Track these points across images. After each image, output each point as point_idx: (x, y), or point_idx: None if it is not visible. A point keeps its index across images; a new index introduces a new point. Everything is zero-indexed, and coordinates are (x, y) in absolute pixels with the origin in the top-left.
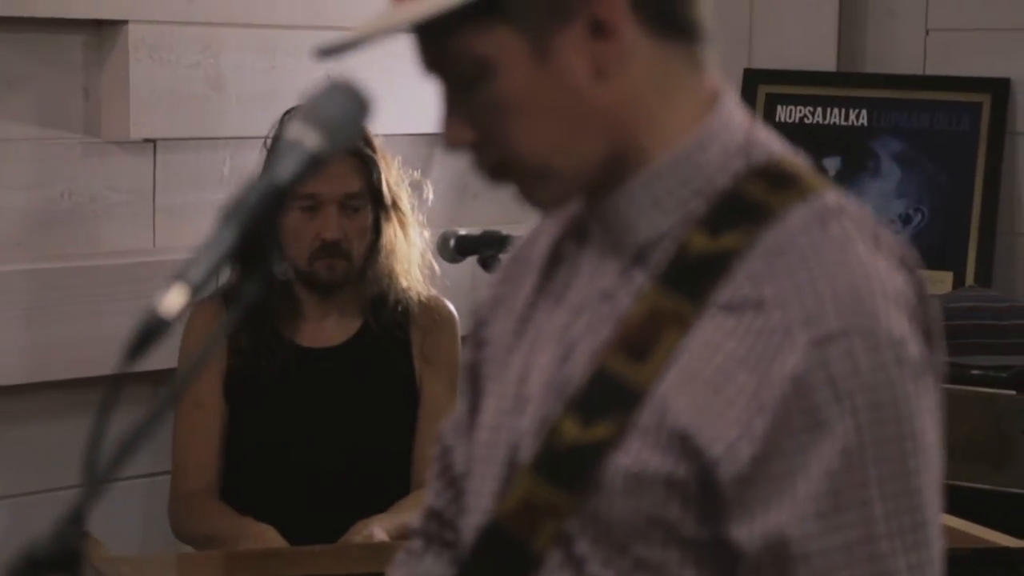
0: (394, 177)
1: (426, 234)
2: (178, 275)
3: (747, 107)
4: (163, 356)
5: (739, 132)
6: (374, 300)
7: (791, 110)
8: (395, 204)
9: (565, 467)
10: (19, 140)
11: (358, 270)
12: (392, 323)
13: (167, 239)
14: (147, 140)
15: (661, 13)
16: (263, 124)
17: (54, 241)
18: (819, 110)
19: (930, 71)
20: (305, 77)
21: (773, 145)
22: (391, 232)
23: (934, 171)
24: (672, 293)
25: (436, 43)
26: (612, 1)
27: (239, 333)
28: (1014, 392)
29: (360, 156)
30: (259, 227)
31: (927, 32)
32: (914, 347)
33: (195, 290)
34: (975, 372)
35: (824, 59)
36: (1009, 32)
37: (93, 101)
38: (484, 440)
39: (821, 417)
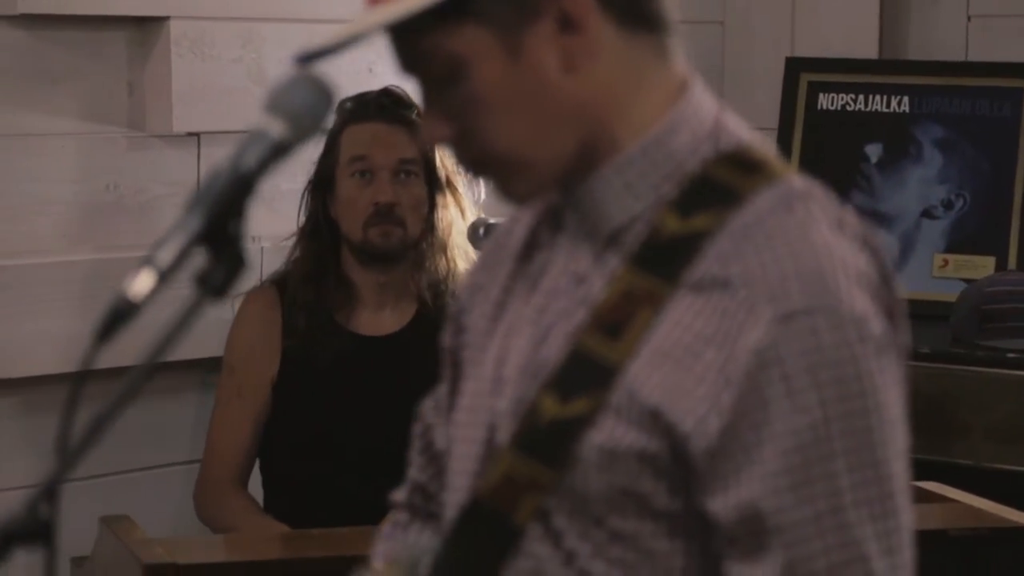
0: (448, 158)
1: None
2: (145, 259)
3: (789, 94)
4: (209, 346)
5: (708, 119)
6: (431, 284)
7: (833, 97)
8: (449, 182)
9: (544, 443)
10: (65, 135)
11: (413, 242)
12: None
13: None
14: (190, 134)
15: (627, 6)
16: None
17: (100, 233)
18: (861, 97)
19: (972, 57)
20: (345, 69)
21: (741, 132)
22: (447, 209)
23: (976, 157)
24: (645, 273)
25: (409, 43)
26: (577, 3)
27: (295, 317)
28: None
29: (413, 126)
30: (226, 213)
31: (968, 18)
32: (876, 324)
33: (162, 274)
34: (1011, 355)
35: (866, 46)
36: None
37: (137, 96)
38: (463, 421)
39: (786, 390)
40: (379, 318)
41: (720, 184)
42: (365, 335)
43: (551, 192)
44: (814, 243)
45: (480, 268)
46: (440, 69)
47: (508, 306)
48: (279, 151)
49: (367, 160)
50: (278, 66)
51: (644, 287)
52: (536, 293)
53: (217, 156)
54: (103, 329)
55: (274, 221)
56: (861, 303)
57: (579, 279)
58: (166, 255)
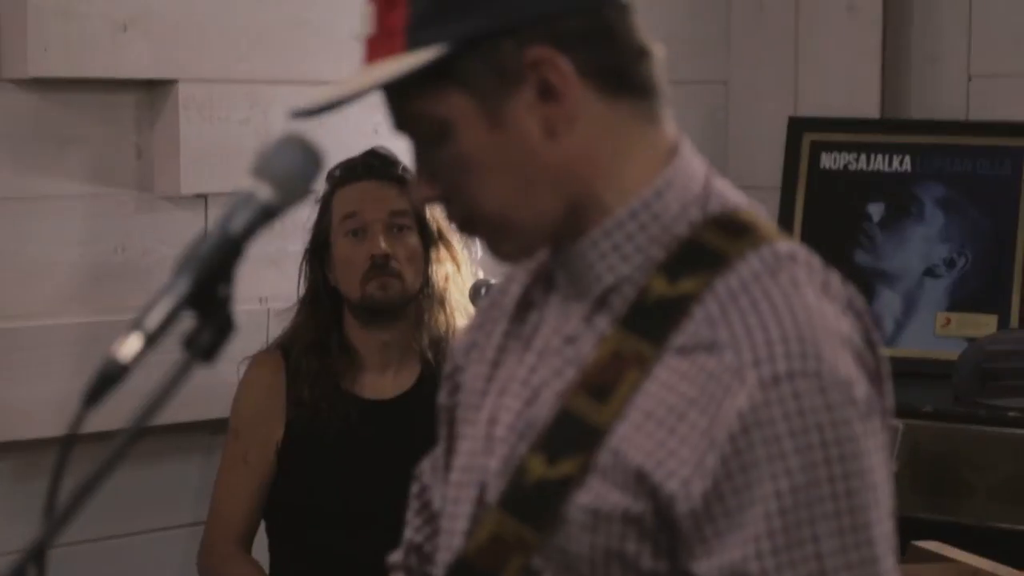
0: (440, 213)
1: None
2: (134, 323)
3: (792, 154)
4: (217, 407)
5: (696, 182)
6: (432, 341)
7: (836, 157)
8: (443, 236)
9: (531, 503)
10: (74, 197)
11: (412, 295)
12: None
13: None
14: (198, 195)
15: (610, 73)
16: None
17: (108, 295)
18: (863, 157)
19: (973, 116)
20: (350, 129)
21: (729, 195)
22: (443, 265)
23: (977, 215)
24: (633, 336)
25: (399, 104)
26: (559, 66)
27: (300, 387)
28: None
29: (402, 181)
30: (214, 276)
31: (969, 78)
32: (861, 388)
33: (150, 338)
34: (1013, 414)
35: (868, 106)
36: None
37: (145, 158)
38: (456, 480)
39: (770, 454)
40: (383, 381)
41: (708, 248)
42: (370, 399)
43: (539, 252)
44: (799, 307)
45: (475, 327)
46: (427, 131)
47: (502, 365)
48: (267, 215)
49: (359, 216)
50: (285, 128)
51: (632, 349)
52: (529, 353)
53: None
54: (91, 393)
55: (281, 282)
56: (845, 367)
57: (568, 340)
58: (154, 319)
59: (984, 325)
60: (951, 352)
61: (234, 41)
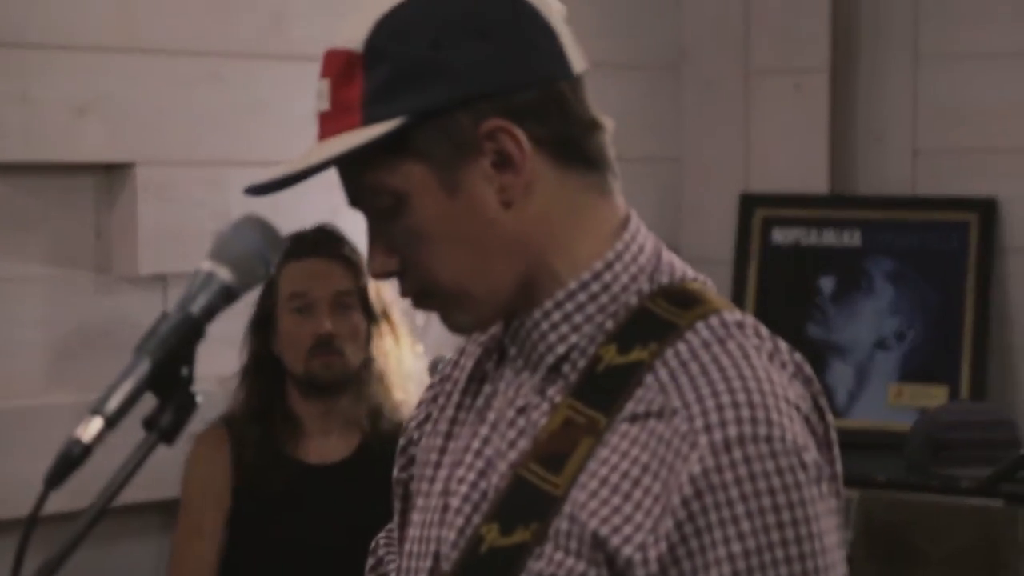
0: (384, 290)
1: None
2: (94, 406)
3: (744, 229)
4: (170, 485)
5: (645, 254)
6: (371, 412)
7: (787, 232)
8: (385, 314)
9: (485, 572)
10: (33, 279)
11: (354, 373)
12: (391, 436)
13: None
14: (157, 276)
15: (564, 146)
16: None
17: (68, 376)
18: (814, 232)
19: (919, 191)
20: (311, 211)
21: (677, 267)
22: (384, 341)
23: (926, 289)
24: (584, 405)
25: (354, 178)
26: (515, 137)
27: (244, 454)
28: (1003, 503)
29: (348, 261)
30: (174, 358)
31: (915, 154)
32: (811, 453)
33: (110, 420)
34: (966, 484)
35: (817, 182)
36: (993, 152)
37: (104, 240)
38: (411, 551)
39: (722, 518)
40: (326, 446)
41: (657, 318)
42: (313, 464)
43: (493, 323)
44: (749, 374)
45: (428, 400)
46: (383, 203)
47: (455, 437)
48: (227, 296)
49: (306, 296)
50: (243, 209)
51: (584, 418)
52: (483, 425)
53: None
54: (53, 474)
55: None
56: (795, 433)
57: (521, 410)
58: (115, 401)
59: (935, 396)
60: (903, 423)
61: (191, 124)
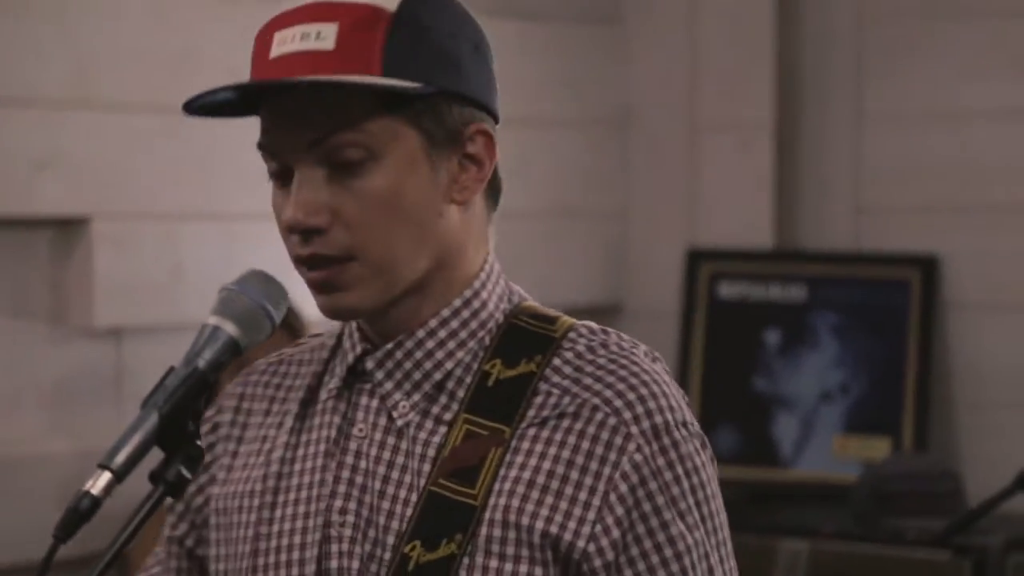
0: None
1: None
2: (103, 461)
3: (691, 284)
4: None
5: (501, 278)
6: None
7: (733, 287)
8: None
9: None
10: None
11: None
12: None
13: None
14: (112, 328)
15: (494, 176)
16: None
17: (22, 428)
18: (760, 286)
19: (862, 246)
20: (260, 264)
21: (519, 289)
22: None
23: (870, 343)
24: (483, 418)
25: (329, 121)
26: (492, 146)
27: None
28: (950, 554)
29: (290, 328)
30: (182, 412)
31: (857, 210)
32: (705, 438)
33: (118, 474)
34: (911, 535)
35: (761, 237)
36: (935, 210)
37: (60, 293)
38: None
39: (668, 499)
40: None
41: (529, 332)
42: None
43: (370, 313)
44: (647, 368)
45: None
46: (351, 155)
47: (290, 475)
48: (233, 350)
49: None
50: (198, 263)
51: (487, 431)
52: (346, 455)
53: (138, 351)
54: (62, 527)
55: None
56: (693, 417)
57: (401, 431)
58: (123, 455)
59: (878, 447)
60: (848, 474)
61: (147, 178)
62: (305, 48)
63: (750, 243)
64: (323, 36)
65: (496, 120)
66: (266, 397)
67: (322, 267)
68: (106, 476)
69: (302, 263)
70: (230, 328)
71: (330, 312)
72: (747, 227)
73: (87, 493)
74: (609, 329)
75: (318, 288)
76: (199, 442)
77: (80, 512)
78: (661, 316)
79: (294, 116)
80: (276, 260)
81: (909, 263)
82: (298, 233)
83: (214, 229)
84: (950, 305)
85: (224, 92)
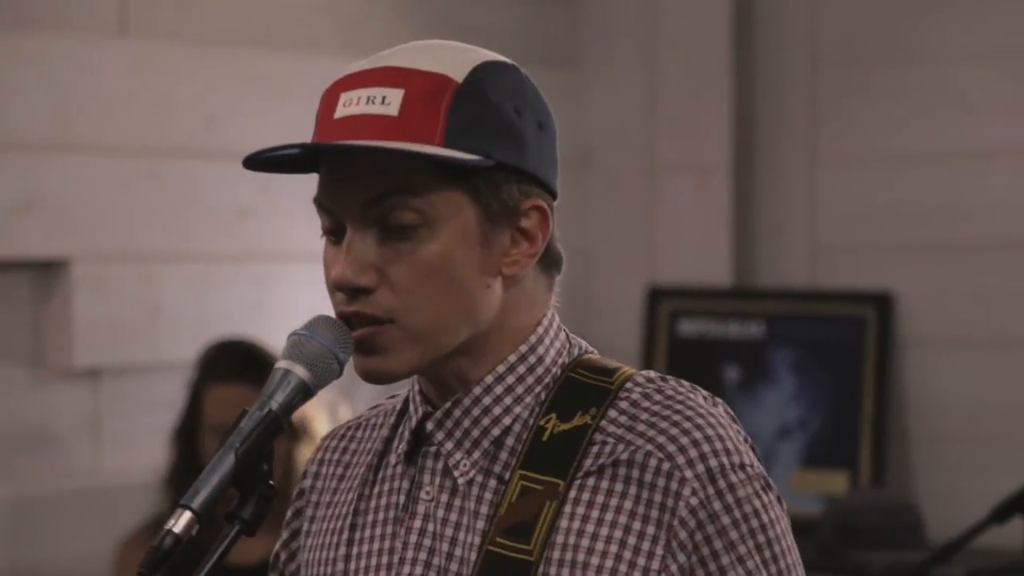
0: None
1: None
2: (184, 500)
3: (651, 321)
4: None
5: (561, 333)
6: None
7: (693, 324)
8: (305, 428)
9: None
10: None
11: (275, 493)
12: None
13: (111, 462)
14: (91, 369)
15: (550, 249)
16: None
17: (3, 470)
18: (719, 323)
19: (820, 285)
20: (237, 305)
21: (582, 342)
22: (305, 454)
23: (827, 379)
24: (538, 473)
25: (387, 185)
26: (547, 222)
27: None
28: None
29: (261, 381)
30: (257, 454)
31: (814, 249)
32: (769, 478)
33: (199, 513)
34: (876, 568)
35: (719, 275)
36: (889, 249)
37: (39, 334)
38: None
39: (726, 544)
40: (249, 547)
41: (586, 385)
42: (237, 564)
43: (407, 377)
44: (701, 412)
45: (291, 518)
46: (406, 219)
47: (359, 542)
48: (305, 393)
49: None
50: (176, 304)
51: (541, 485)
52: (415, 519)
53: (116, 391)
54: (147, 564)
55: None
56: (755, 459)
57: (464, 490)
58: (203, 495)
59: (836, 481)
60: (808, 508)
61: (126, 220)
62: (369, 112)
63: (709, 281)
64: (388, 101)
65: (554, 197)
66: (341, 463)
67: (363, 326)
68: (187, 515)
69: (345, 321)
70: (301, 372)
71: (365, 374)
72: (706, 266)
73: (170, 531)
74: (668, 376)
75: (358, 348)
76: (272, 482)
77: (163, 550)
78: (622, 353)
79: (353, 176)
80: (251, 302)
81: (865, 300)
82: (345, 291)
83: (192, 271)
84: (905, 341)
85: (288, 149)
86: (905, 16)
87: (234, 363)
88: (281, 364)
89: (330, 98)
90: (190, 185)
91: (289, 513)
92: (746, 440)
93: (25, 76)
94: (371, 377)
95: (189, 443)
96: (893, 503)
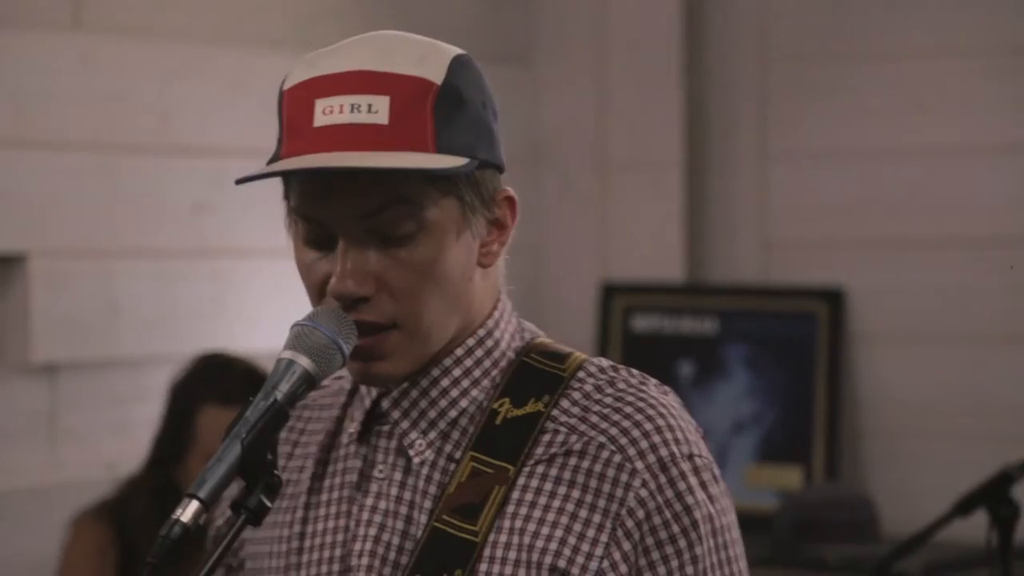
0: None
1: None
2: (191, 491)
3: (604, 317)
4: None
5: (513, 317)
6: None
7: (646, 320)
8: None
9: None
10: None
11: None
12: None
13: (68, 458)
14: (48, 364)
15: None
16: (158, 346)
17: None
18: (672, 319)
19: (771, 280)
20: (194, 301)
21: (529, 326)
22: None
23: (780, 374)
24: (489, 456)
25: (381, 196)
26: (515, 208)
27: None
28: None
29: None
30: (262, 444)
31: (765, 246)
32: (717, 468)
33: (205, 502)
34: (831, 561)
35: (673, 272)
36: (840, 245)
37: None
38: None
39: (672, 533)
40: None
41: (539, 371)
42: None
43: (405, 377)
44: (654, 402)
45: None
46: (404, 228)
47: (313, 520)
48: (309, 383)
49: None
50: (134, 299)
51: (492, 469)
52: (367, 496)
53: (73, 387)
54: (155, 554)
55: (128, 448)
56: (705, 449)
57: (416, 469)
58: (209, 484)
59: (790, 476)
60: (763, 503)
61: (82, 215)
62: (357, 121)
63: (662, 277)
64: (375, 109)
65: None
66: (288, 442)
67: (365, 334)
68: (194, 504)
69: None
70: (304, 362)
71: (365, 378)
72: (659, 262)
73: (177, 520)
74: (619, 366)
75: (356, 354)
76: (277, 472)
77: (171, 539)
78: (576, 349)
79: (347, 188)
80: (210, 296)
81: (816, 296)
82: (344, 301)
83: (149, 266)
84: (856, 336)
85: (297, 172)
86: (856, 13)
87: (233, 385)
88: (285, 354)
89: (302, 103)
90: (145, 180)
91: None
92: (697, 429)
93: None
94: (372, 381)
95: (173, 465)
96: (848, 497)
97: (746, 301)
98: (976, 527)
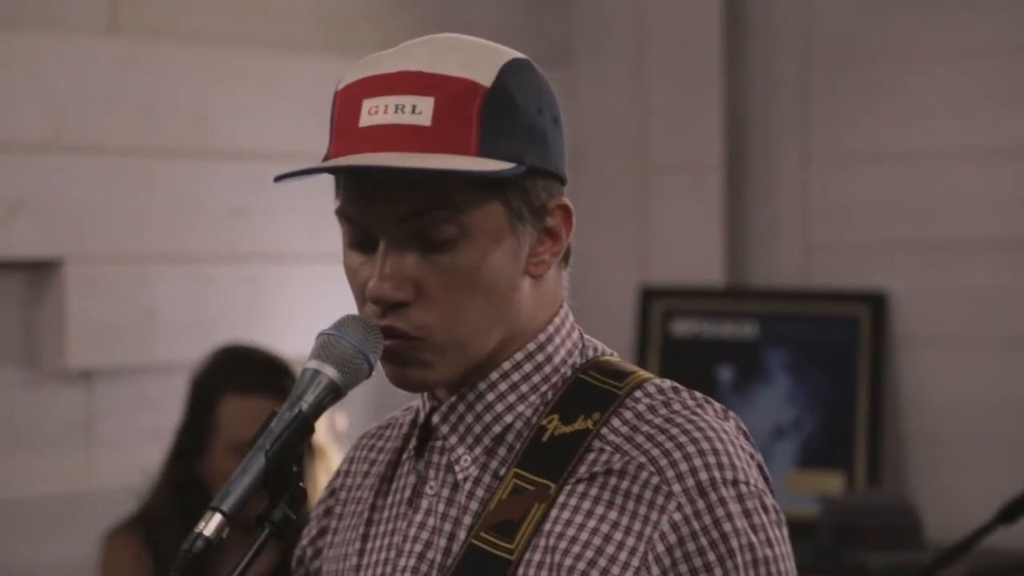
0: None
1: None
2: (215, 503)
3: (644, 321)
4: None
5: (575, 331)
6: (296, 529)
7: (686, 324)
8: (321, 451)
9: None
10: None
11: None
12: None
13: (104, 464)
14: (84, 371)
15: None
16: (194, 351)
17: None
18: (712, 323)
19: (813, 284)
20: (231, 306)
21: (595, 343)
22: (317, 478)
23: (822, 379)
24: (532, 474)
25: (423, 199)
26: (571, 219)
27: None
28: None
29: (283, 393)
30: (287, 456)
31: (807, 249)
32: (770, 498)
33: (228, 515)
34: (874, 568)
35: (713, 275)
36: (883, 248)
37: (32, 335)
38: None
39: (706, 562)
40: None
41: (594, 388)
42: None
43: (444, 385)
44: (704, 426)
45: (322, 515)
46: (445, 232)
47: (372, 537)
48: (335, 393)
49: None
50: (170, 305)
51: (533, 486)
52: (417, 513)
53: (109, 393)
54: (179, 568)
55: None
56: (755, 477)
57: (461, 485)
58: (233, 497)
59: (831, 482)
60: (803, 508)
61: (119, 221)
62: (400, 121)
63: (702, 281)
64: (419, 111)
65: (564, 184)
66: (367, 460)
67: (404, 340)
68: (217, 518)
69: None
70: (330, 372)
71: (400, 383)
72: (699, 265)
73: (200, 534)
74: (682, 388)
75: (391, 357)
76: (302, 484)
77: (193, 553)
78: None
79: (387, 189)
80: (245, 302)
81: (858, 300)
82: (380, 305)
83: (186, 271)
84: (899, 340)
85: (334, 170)
86: (898, 14)
87: (254, 373)
88: (310, 364)
89: (350, 104)
90: (183, 185)
91: (321, 510)
92: (752, 457)
93: (16, 76)
94: (406, 385)
95: (194, 457)
96: (891, 504)
97: (787, 305)
98: (1021, 535)
